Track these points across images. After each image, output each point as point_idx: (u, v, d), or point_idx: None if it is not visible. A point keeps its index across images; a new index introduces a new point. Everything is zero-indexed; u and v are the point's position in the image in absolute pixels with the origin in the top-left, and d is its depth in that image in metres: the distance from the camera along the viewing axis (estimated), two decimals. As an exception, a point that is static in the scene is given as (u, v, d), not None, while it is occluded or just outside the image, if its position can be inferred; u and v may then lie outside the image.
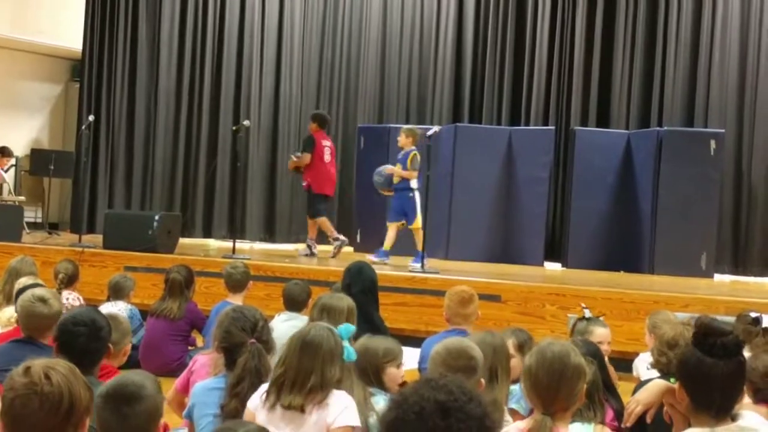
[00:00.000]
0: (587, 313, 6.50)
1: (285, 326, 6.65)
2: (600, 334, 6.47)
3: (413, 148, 12.20)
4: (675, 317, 6.45)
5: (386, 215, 12.83)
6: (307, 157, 12.76)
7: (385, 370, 4.71)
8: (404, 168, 12.13)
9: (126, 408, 3.32)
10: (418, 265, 11.03)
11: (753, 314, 5.43)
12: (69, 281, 8.48)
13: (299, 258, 12.70)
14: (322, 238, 13.31)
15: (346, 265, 7.76)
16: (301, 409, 4.10)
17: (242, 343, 4.58)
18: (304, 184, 13.06)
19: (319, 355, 4.17)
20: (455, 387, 2.31)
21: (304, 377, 4.15)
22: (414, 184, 12.15)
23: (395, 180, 12.22)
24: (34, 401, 2.84)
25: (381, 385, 4.67)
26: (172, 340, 8.26)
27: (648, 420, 3.69)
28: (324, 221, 13.04)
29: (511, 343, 5.17)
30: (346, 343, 4.29)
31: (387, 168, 12.40)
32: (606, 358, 5.24)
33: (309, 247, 13.05)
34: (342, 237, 13.03)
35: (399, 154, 12.38)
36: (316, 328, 4.33)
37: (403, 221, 12.30)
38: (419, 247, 11.63)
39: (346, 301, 5.92)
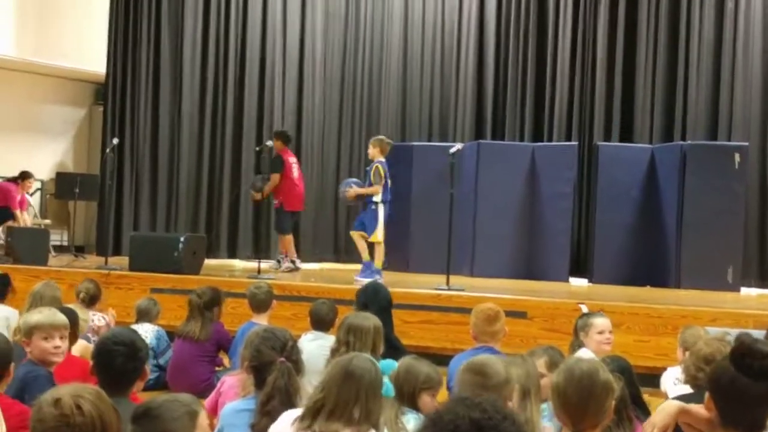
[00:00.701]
0: (584, 309, 6.51)
1: (312, 346, 6.66)
2: (599, 324, 6.48)
3: (380, 159, 12.22)
4: (706, 332, 6.41)
5: (407, 232, 12.86)
6: (276, 178, 12.98)
7: (421, 395, 4.69)
8: (369, 181, 12.17)
9: (137, 427, 3.31)
10: (364, 280, 10.84)
11: None
12: (91, 300, 8.51)
13: (280, 275, 12.66)
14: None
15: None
16: None
17: (272, 362, 4.59)
18: (275, 202, 13.42)
19: (362, 386, 4.06)
20: (489, 405, 2.30)
21: (344, 406, 4.03)
22: (377, 197, 12.18)
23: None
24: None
25: (414, 407, 4.65)
26: (198, 361, 8.26)
27: None
28: (289, 240, 13.26)
29: (543, 362, 5.12)
30: (386, 378, 4.26)
31: (349, 190, 12.39)
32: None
33: (293, 262, 13.28)
34: (298, 263, 13.28)
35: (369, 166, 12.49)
36: (359, 359, 4.22)
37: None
38: (373, 258, 12.01)
39: (372, 321, 5.90)
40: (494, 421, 2.25)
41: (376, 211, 12.19)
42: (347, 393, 4.04)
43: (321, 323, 7.38)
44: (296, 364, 4.67)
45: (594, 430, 3.64)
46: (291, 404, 4.43)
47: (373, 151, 12.43)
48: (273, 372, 4.52)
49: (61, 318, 5.45)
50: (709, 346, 5.04)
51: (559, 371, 3.79)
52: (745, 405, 3.24)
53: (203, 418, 3.37)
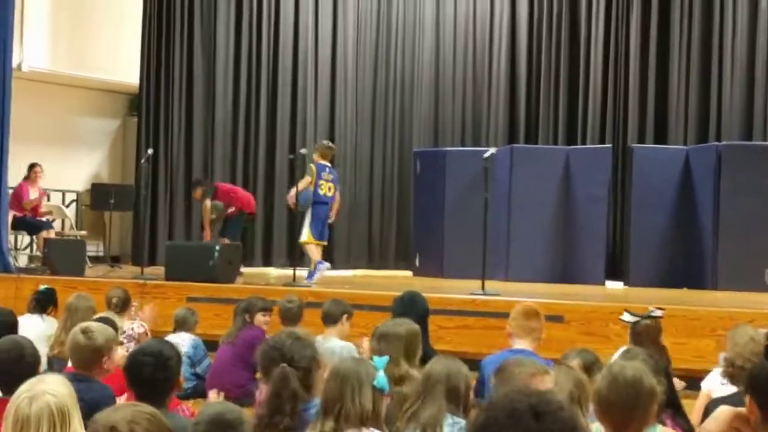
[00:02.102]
0: (626, 317, 6.45)
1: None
2: None
3: (317, 162, 12.43)
4: (756, 332, 6.34)
5: (441, 237, 12.83)
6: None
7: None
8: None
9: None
10: (308, 281, 11.75)
11: None
12: (123, 306, 8.56)
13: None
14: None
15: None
16: None
17: (273, 366, 4.56)
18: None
19: (346, 384, 4.12)
20: (547, 395, 2.31)
21: (333, 405, 4.10)
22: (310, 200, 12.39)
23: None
24: None
25: (465, 413, 4.59)
26: (235, 366, 8.27)
27: None
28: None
29: (575, 365, 5.08)
30: (380, 373, 4.17)
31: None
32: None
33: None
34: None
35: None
36: (347, 359, 4.39)
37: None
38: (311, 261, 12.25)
39: (405, 326, 5.80)
40: (552, 408, 2.23)
41: (304, 214, 12.38)
42: (334, 391, 4.12)
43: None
44: (304, 370, 4.60)
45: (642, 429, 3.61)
46: (291, 411, 4.36)
47: (314, 156, 12.65)
48: (273, 379, 4.48)
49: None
50: (756, 342, 5.00)
51: (603, 377, 3.76)
52: None
53: None
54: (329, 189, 12.48)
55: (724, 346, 6.33)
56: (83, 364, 5.02)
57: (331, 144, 12.98)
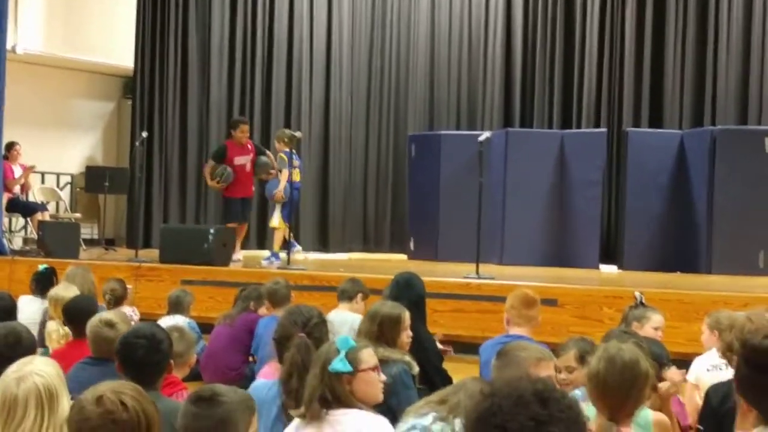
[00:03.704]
0: (639, 297, 6.45)
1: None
2: (657, 320, 6.42)
3: (284, 150, 12.91)
4: (738, 315, 6.34)
5: (436, 221, 12.88)
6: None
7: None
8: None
9: (198, 408, 3.34)
10: (266, 263, 12.68)
11: None
12: (116, 302, 8.59)
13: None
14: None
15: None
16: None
17: (291, 336, 4.59)
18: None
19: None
20: (551, 383, 2.31)
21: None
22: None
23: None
24: (113, 430, 2.87)
25: None
26: (230, 348, 8.29)
27: None
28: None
29: (572, 354, 5.04)
30: (339, 355, 4.11)
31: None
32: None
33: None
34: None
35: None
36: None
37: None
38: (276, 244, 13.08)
39: (387, 309, 5.83)
40: (557, 395, 2.23)
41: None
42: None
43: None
44: (318, 341, 4.65)
45: (629, 418, 3.63)
46: None
47: (278, 144, 13.21)
48: (291, 348, 4.51)
49: None
50: (754, 321, 5.00)
51: (599, 359, 3.75)
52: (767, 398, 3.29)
53: (257, 419, 3.43)
54: (298, 174, 13.25)
55: (714, 332, 6.32)
56: (109, 354, 4.99)
57: (295, 133, 13.09)
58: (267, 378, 5.01)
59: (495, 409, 2.18)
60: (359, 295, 7.94)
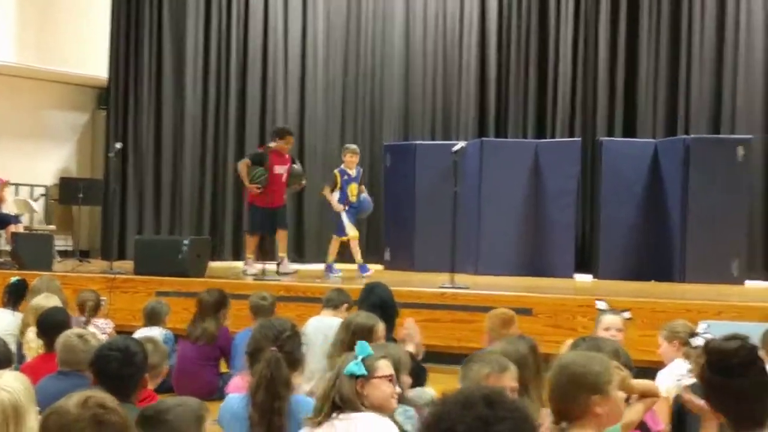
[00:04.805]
0: (599, 305, 6.47)
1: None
2: (605, 320, 6.43)
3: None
4: (693, 325, 6.35)
5: (411, 231, 12.89)
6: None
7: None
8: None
9: (144, 429, 3.30)
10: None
11: None
12: (91, 312, 8.58)
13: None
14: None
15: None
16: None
17: (263, 349, 4.60)
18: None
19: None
20: (499, 389, 2.39)
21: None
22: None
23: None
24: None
25: None
26: (204, 364, 8.28)
27: None
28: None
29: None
30: (354, 361, 4.24)
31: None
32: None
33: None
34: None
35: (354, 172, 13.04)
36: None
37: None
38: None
39: (349, 320, 6.04)
40: (504, 398, 2.31)
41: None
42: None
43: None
44: (290, 354, 4.68)
45: (574, 422, 3.58)
46: (277, 396, 4.44)
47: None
48: (261, 361, 4.53)
49: None
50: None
51: (553, 366, 3.79)
52: (743, 402, 3.34)
53: (209, 424, 3.40)
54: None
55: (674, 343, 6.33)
56: (79, 366, 5.08)
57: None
58: (237, 391, 5.01)
59: (444, 413, 2.27)
60: (344, 306, 7.96)
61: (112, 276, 11.70)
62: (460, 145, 11.71)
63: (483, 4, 16.01)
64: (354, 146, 13.36)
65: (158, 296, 10.33)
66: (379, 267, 14.91)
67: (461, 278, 11.28)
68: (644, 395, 4.58)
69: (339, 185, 12.84)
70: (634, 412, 4.44)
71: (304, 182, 13.35)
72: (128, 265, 12.86)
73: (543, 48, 15.61)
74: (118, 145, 13.64)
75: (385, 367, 4.31)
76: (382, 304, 7.18)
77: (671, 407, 5.17)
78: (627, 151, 13.89)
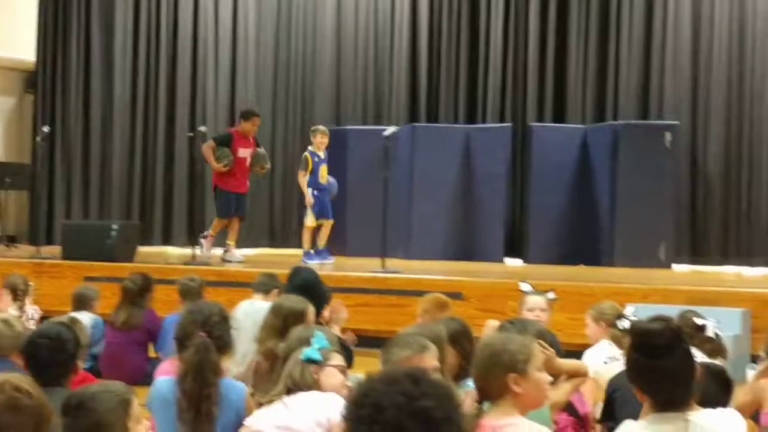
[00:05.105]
0: (522, 287, 6.54)
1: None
2: (528, 301, 6.52)
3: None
4: (620, 307, 6.43)
5: (343, 216, 12.92)
6: None
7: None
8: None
9: (68, 418, 3.25)
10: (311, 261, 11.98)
11: (698, 321, 5.41)
12: (16, 296, 8.50)
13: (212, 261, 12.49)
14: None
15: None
16: None
17: (191, 335, 4.59)
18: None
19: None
20: (421, 368, 2.42)
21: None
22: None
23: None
24: (17, 415, 2.84)
25: None
26: (131, 349, 8.24)
27: None
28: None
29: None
30: (310, 347, 4.38)
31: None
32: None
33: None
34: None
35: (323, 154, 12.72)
36: None
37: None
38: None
39: (277, 303, 6.09)
40: (427, 377, 2.37)
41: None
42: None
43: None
44: (219, 339, 4.67)
45: (494, 401, 3.60)
46: (205, 382, 4.43)
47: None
48: (190, 347, 4.52)
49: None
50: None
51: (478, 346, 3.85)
52: (666, 383, 3.40)
53: (136, 407, 3.37)
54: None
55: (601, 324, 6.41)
56: (6, 351, 4.99)
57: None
58: (168, 375, 4.98)
59: (369, 389, 2.33)
60: (275, 290, 7.94)
61: (40, 261, 11.58)
62: (392, 129, 11.73)
63: (414, -11, 16.00)
64: (323, 127, 13.07)
65: (87, 281, 10.24)
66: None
67: (393, 263, 11.32)
68: (572, 375, 4.63)
69: (311, 168, 12.53)
70: (561, 393, 4.49)
71: (267, 166, 13.04)
72: (56, 250, 12.72)
73: (474, 33, 15.65)
74: (46, 129, 13.48)
75: (338, 359, 4.46)
76: (306, 287, 7.17)
77: (605, 390, 5.22)
78: (556, 137, 14.02)
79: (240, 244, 15.22)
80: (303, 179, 12.50)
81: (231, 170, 12.39)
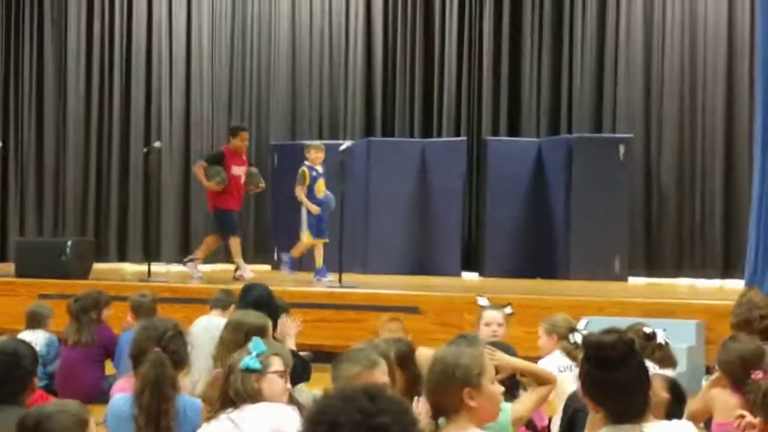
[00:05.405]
0: (480, 301, 6.56)
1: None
2: (485, 316, 6.56)
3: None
4: (573, 320, 6.47)
5: (299, 231, 12.85)
6: None
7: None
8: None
9: None
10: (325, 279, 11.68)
11: (647, 329, 5.45)
12: None
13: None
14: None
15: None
16: None
17: (146, 351, 4.57)
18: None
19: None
20: (377, 385, 2.49)
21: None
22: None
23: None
24: None
25: None
26: (85, 366, 8.17)
27: None
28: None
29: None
30: (249, 356, 4.32)
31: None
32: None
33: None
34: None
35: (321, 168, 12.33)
36: None
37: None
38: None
39: (250, 319, 5.99)
40: (384, 393, 2.37)
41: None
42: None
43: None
44: (175, 354, 4.66)
45: (450, 417, 3.60)
46: (163, 397, 4.42)
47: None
48: (145, 363, 4.51)
49: None
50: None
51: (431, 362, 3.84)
52: (619, 395, 3.42)
53: (93, 427, 3.34)
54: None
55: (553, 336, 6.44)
56: None
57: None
58: (124, 392, 4.94)
59: (326, 406, 2.32)
60: (232, 306, 7.91)
61: (-7, 279, 11.46)
62: (347, 144, 11.73)
63: (368, 4, 16.01)
64: (317, 142, 12.88)
65: (41, 299, 10.14)
66: (267, 267, 14.83)
67: (349, 277, 11.32)
68: (541, 383, 4.65)
69: (308, 182, 12.18)
70: (526, 406, 4.51)
71: (262, 185, 12.89)
72: (10, 267, 12.60)
73: (428, 48, 15.69)
74: (-1, 144, 13.37)
75: (278, 364, 4.39)
76: (260, 302, 7.16)
77: (565, 405, 5.23)
78: (511, 151, 14.09)
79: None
80: (301, 193, 12.17)
81: (227, 188, 12.23)
